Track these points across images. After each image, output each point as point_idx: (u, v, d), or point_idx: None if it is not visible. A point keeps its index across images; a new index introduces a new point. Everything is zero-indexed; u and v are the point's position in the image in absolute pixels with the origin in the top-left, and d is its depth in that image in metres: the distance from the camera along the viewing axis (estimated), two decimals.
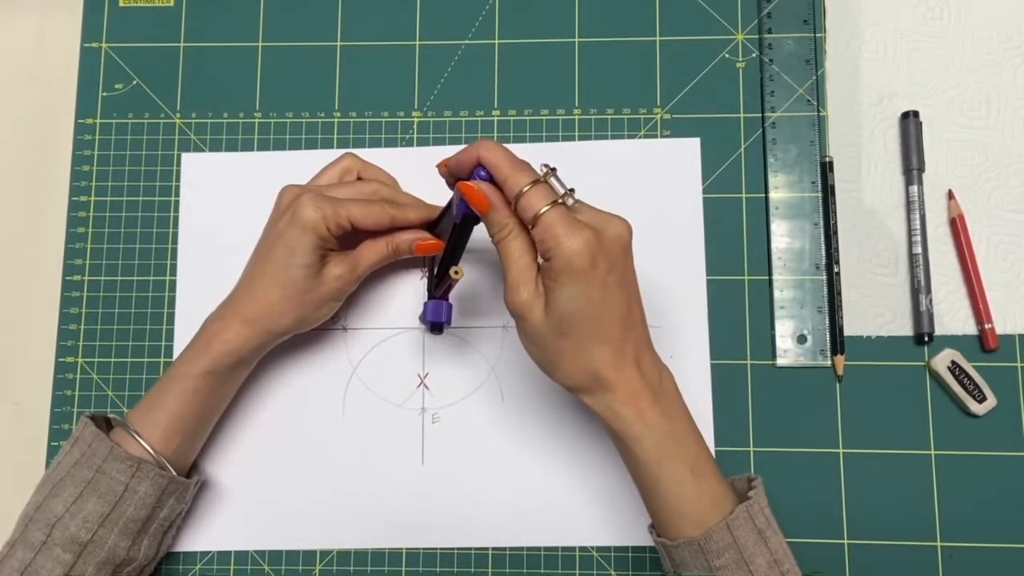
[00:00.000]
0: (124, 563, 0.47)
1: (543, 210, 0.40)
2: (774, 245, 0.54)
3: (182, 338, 0.55)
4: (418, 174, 0.56)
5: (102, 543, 0.46)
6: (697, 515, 0.42)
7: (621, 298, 0.42)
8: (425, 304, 0.51)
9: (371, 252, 0.51)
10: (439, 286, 0.50)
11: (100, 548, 0.46)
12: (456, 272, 0.46)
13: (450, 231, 0.47)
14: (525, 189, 0.41)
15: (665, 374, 0.44)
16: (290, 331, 0.50)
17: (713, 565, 0.42)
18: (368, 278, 0.55)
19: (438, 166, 0.47)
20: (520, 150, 0.56)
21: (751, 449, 0.53)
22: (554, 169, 0.42)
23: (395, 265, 0.55)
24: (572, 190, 0.42)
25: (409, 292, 0.55)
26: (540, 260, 0.42)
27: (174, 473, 0.48)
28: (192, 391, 0.48)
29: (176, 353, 0.55)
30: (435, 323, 0.51)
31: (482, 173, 0.43)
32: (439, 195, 0.56)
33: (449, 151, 0.56)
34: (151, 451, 0.47)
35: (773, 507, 0.44)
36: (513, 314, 0.43)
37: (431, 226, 0.51)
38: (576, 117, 0.57)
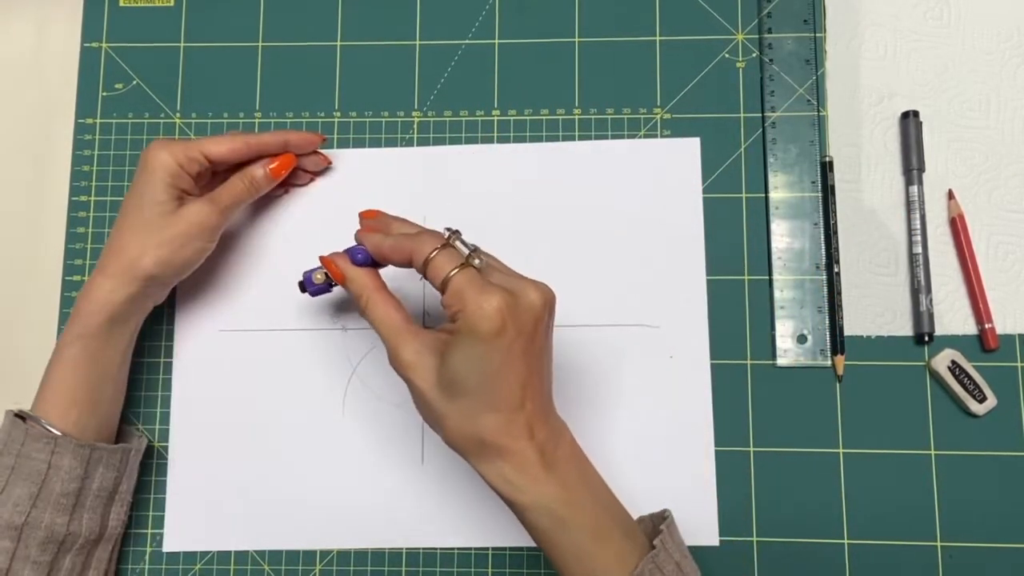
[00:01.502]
0: (69, 539, 0.47)
1: (452, 273, 0.40)
2: (774, 245, 0.54)
3: (182, 338, 0.55)
4: (418, 174, 0.56)
5: (37, 523, 0.46)
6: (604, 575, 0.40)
7: (522, 367, 0.40)
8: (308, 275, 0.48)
9: (228, 187, 0.51)
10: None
11: (37, 528, 0.46)
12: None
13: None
14: (432, 255, 0.41)
15: (562, 439, 0.42)
16: (156, 276, 0.49)
17: None
18: None
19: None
20: (520, 150, 0.56)
21: (751, 449, 0.53)
22: (457, 232, 0.42)
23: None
24: (476, 248, 0.42)
25: (409, 292, 0.55)
26: (447, 323, 0.42)
27: (95, 443, 0.48)
28: (71, 360, 0.48)
29: (176, 354, 0.55)
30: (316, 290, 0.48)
31: (358, 256, 0.45)
32: (439, 195, 0.56)
33: (449, 151, 0.56)
34: (52, 430, 0.47)
35: (684, 546, 0.44)
36: (400, 375, 0.43)
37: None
38: (576, 117, 0.57)
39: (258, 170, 0.52)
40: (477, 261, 0.41)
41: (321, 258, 0.46)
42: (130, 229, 0.49)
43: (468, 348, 0.40)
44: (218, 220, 0.50)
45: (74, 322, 0.48)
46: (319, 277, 0.47)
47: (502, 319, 0.39)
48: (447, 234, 0.42)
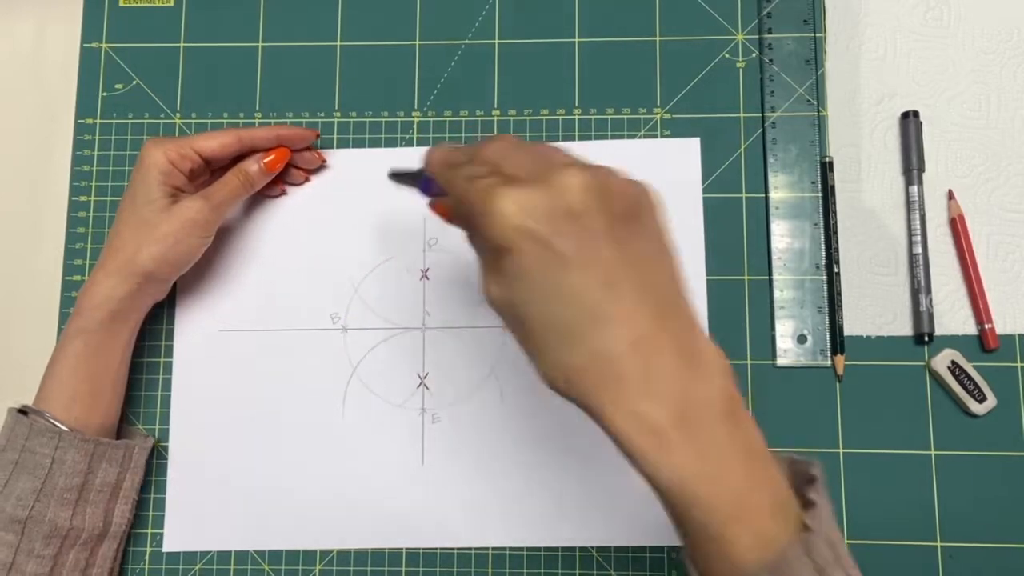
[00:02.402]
0: (72, 534, 0.47)
1: None
2: (774, 245, 0.54)
3: (182, 338, 0.55)
4: None
5: (41, 517, 0.46)
6: (740, 562, 0.31)
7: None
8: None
9: (223, 183, 0.51)
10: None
11: (40, 523, 0.46)
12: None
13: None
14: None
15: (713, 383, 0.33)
16: (153, 272, 0.49)
17: None
18: (367, 278, 0.55)
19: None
20: None
21: None
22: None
23: (395, 265, 0.55)
24: None
25: (409, 292, 0.55)
26: None
27: (98, 438, 0.48)
28: (73, 355, 0.48)
29: (176, 354, 0.55)
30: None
31: (434, 189, 0.39)
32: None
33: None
34: (55, 423, 0.47)
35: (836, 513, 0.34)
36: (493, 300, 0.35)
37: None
38: (576, 117, 0.57)
39: (252, 165, 0.52)
40: None
41: (433, 207, 0.40)
42: (126, 226, 0.49)
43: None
44: (212, 216, 0.50)
45: (75, 318, 0.49)
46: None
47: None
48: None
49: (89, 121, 0.58)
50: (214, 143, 0.51)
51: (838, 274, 0.53)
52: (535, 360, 0.33)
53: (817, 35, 0.56)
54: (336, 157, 0.57)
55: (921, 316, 0.53)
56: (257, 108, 0.58)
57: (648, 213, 0.34)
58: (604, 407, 0.31)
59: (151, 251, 0.49)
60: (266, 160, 0.52)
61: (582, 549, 0.52)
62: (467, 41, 0.58)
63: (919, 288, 0.53)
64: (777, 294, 0.54)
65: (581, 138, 0.56)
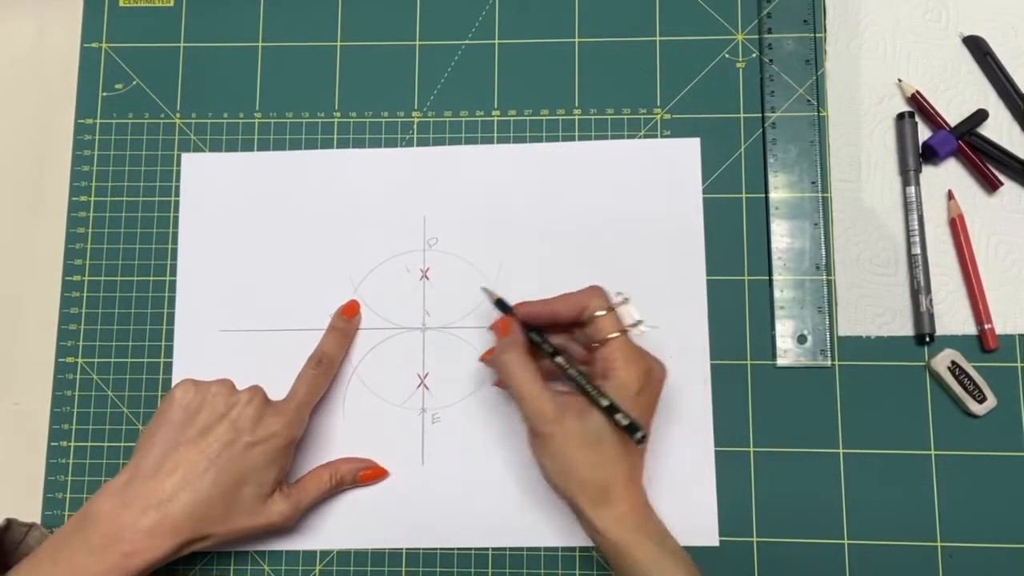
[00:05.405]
0: None
1: (613, 336, 0.46)
2: (774, 245, 0.54)
3: (182, 338, 0.55)
4: (418, 174, 0.56)
5: None
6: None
7: (648, 425, 0.46)
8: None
9: (314, 486, 0.51)
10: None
11: None
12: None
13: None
14: (601, 314, 0.47)
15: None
16: (192, 546, 0.46)
17: None
18: (367, 278, 0.55)
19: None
20: (520, 150, 0.56)
21: (751, 449, 0.53)
22: (627, 299, 0.48)
23: (395, 265, 0.55)
24: (641, 321, 0.48)
25: (409, 292, 0.55)
26: (597, 379, 0.46)
27: None
28: None
29: (176, 354, 0.55)
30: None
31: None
32: (439, 195, 0.56)
33: (449, 151, 0.56)
34: None
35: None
36: (540, 432, 0.46)
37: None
38: (576, 117, 0.57)
39: (350, 472, 0.52)
40: (639, 331, 0.48)
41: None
42: (223, 500, 0.46)
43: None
44: (297, 519, 0.50)
45: (115, 572, 0.44)
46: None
47: (642, 383, 0.46)
48: (620, 298, 0.48)
49: (89, 121, 0.58)
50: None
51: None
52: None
53: (817, 35, 0.56)
54: (336, 157, 0.57)
55: (921, 316, 0.53)
56: (257, 108, 0.58)
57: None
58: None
59: (223, 539, 0.47)
60: (365, 472, 0.52)
61: (582, 549, 0.52)
62: (467, 41, 0.58)
63: (919, 288, 0.53)
64: (777, 294, 0.54)
65: (581, 138, 0.56)
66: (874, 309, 0.54)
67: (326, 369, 0.52)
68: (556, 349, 0.48)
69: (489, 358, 0.51)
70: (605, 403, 0.45)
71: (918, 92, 0.55)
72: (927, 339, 0.53)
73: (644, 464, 0.48)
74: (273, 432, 0.48)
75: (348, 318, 0.53)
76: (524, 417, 0.47)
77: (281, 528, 0.49)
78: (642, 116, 0.56)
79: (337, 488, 0.52)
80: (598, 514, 0.45)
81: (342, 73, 0.58)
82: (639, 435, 0.44)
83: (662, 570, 0.44)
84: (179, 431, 0.47)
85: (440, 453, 0.53)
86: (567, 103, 0.57)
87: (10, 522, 0.49)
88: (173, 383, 0.54)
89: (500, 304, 0.50)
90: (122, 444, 0.54)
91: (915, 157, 0.55)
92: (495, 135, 0.57)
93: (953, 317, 0.54)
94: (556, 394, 0.46)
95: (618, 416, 0.44)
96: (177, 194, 0.57)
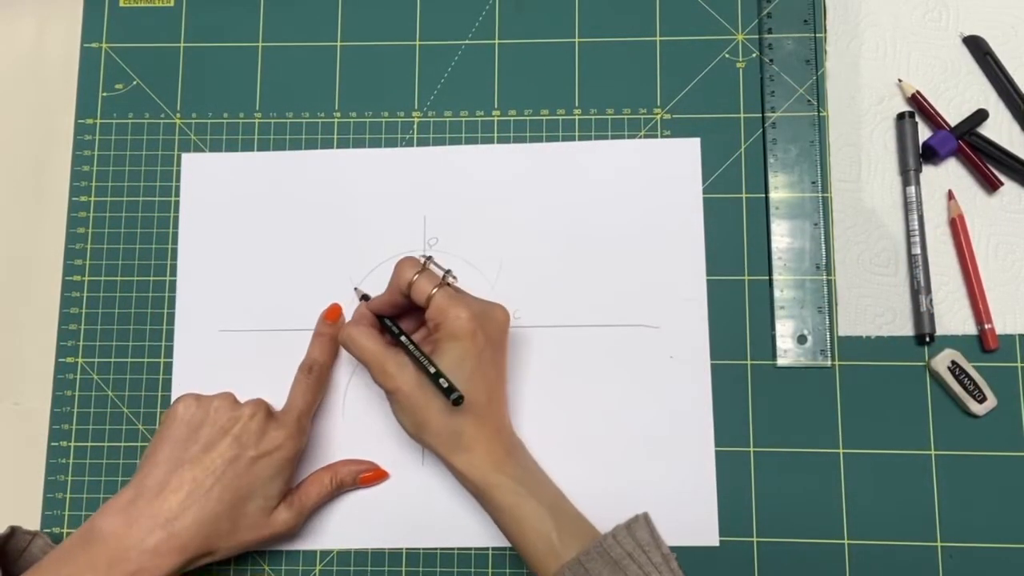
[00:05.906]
0: None
1: (433, 291, 0.47)
2: (774, 245, 0.54)
3: (182, 338, 0.55)
4: (418, 174, 0.56)
5: None
6: (562, 549, 0.44)
7: (492, 373, 0.48)
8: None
9: (315, 490, 0.51)
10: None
11: None
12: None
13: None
14: (414, 279, 0.48)
15: (517, 442, 0.50)
16: (199, 560, 0.47)
17: None
18: (367, 278, 0.55)
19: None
20: (520, 150, 0.56)
21: (751, 449, 0.53)
22: (430, 257, 0.49)
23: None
24: (449, 271, 0.48)
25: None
26: (429, 334, 0.48)
27: None
28: None
29: (176, 354, 0.55)
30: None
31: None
32: (439, 195, 0.56)
33: (449, 151, 0.56)
34: None
35: (658, 533, 0.45)
36: (385, 387, 0.47)
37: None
38: (576, 117, 0.57)
39: (350, 474, 0.52)
40: (451, 279, 0.48)
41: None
42: (227, 516, 0.46)
43: (448, 352, 0.46)
44: (296, 528, 0.50)
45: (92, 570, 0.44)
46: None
47: (474, 326, 0.46)
48: (423, 259, 0.49)
49: (89, 121, 0.58)
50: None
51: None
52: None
53: (817, 35, 0.56)
54: (336, 157, 0.57)
55: (921, 316, 0.53)
56: (257, 108, 0.58)
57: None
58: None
59: (228, 553, 0.47)
60: (364, 475, 0.52)
61: None
62: (467, 41, 0.58)
63: (919, 288, 0.53)
64: (777, 294, 0.54)
65: (581, 138, 0.56)
66: (874, 309, 0.54)
67: (318, 375, 0.52)
68: (402, 330, 0.50)
69: (339, 337, 0.50)
70: (432, 370, 0.46)
71: (918, 92, 0.55)
72: (927, 339, 0.53)
73: (502, 407, 0.49)
74: (277, 445, 0.48)
75: (332, 322, 0.53)
76: (375, 381, 0.48)
77: (285, 536, 0.50)
78: (642, 116, 0.56)
79: (338, 491, 0.52)
80: (457, 459, 0.47)
81: (342, 73, 0.58)
82: (455, 396, 0.45)
83: (520, 509, 0.45)
84: (182, 448, 0.47)
85: None
86: (567, 103, 0.57)
87: (14, 529, 0.49)
88: (173, 383, 0.55)
89: (365, 299, 0.52)
90: (122, 444, 0.54)
91: (915, 157, 0.55)
92: (495, 135, 0.57)
93: (953, 317, 0.54)
94: (397, 353, 0.48)
95: (441, 380, 0.46)
96: (177, 194, 0.57)
